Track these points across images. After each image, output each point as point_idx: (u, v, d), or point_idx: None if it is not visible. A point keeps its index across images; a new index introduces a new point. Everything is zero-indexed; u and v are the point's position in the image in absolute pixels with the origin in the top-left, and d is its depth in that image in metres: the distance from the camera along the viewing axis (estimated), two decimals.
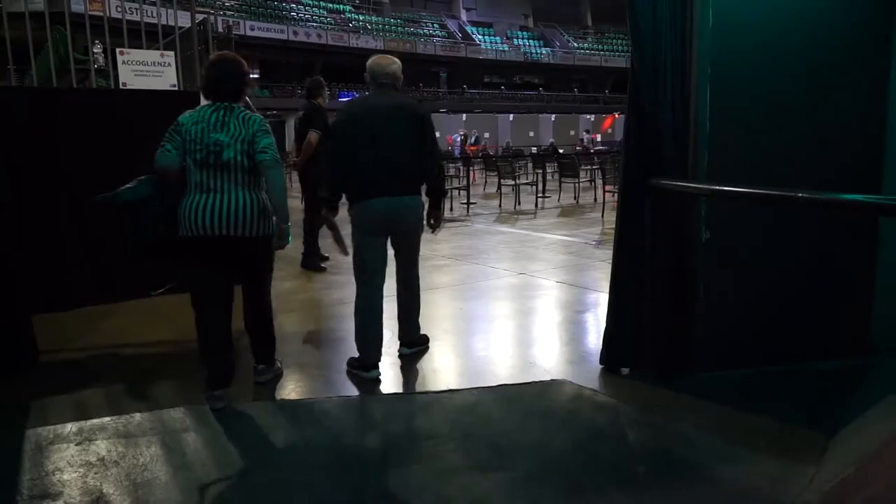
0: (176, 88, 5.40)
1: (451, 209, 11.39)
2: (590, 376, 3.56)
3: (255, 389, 3.47)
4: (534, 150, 28.00)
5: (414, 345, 3.94)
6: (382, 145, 3.41)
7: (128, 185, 3.14)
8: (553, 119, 37.71)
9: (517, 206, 11.76)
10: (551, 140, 29.36)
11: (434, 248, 7.32)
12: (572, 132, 37.85)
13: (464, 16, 42.16)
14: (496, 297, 5.29)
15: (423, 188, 3.64)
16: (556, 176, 13.73)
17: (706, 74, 3.30)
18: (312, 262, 6.71)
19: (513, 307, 5.07)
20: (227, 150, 3.04)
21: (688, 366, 3.42)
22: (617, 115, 38.37)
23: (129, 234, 3.18)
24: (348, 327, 3.80)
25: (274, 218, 3.15)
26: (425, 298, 4.11)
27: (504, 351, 4.14)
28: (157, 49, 5.47)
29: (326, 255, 6.83)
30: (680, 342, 3.41)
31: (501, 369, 3.74)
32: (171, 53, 5.32)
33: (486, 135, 34.50)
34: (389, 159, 3.42)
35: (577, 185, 12.66)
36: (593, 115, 39.29)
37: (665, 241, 3.38)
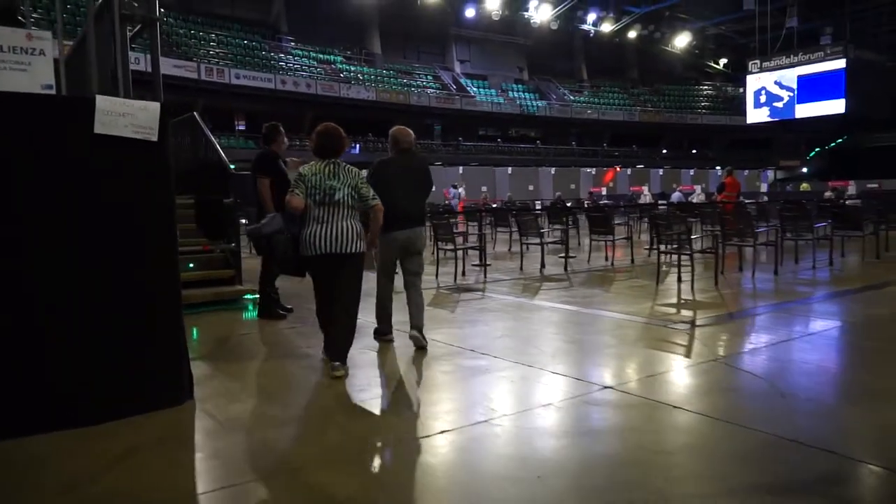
0: (52, 91, 3.50)
1: (464, 273, 9.43)
2: None
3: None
4: (538, 204, 26.33)
5: (420, 330, 5.07)
6: (405, 193, 4.99)
7: (264, 221, 4.75)
8: (553, 172, 36.25)
9: (543, 271, 9.82)
10: (558, 193, 27.69)
11: (457, 337, 5.31)
12: (573, 185, 36.36)
13: (458, 68, 41.17)
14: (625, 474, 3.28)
15: None
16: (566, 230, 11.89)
17: None
18: (272, 310, 6.40)
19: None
20: (338, 192, 4.31)
21: None
22: (618, 169, 37.02)
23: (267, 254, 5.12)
24: None
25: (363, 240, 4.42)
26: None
27: None
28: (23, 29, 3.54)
29: (290, 306, 6.62)
30: None
31: None
32: (45, 36, 3.37)
33: (484, 188, 32.88)
34: (408, 202, 4.98)
35: (612, 244, 10.76)
36: (594, 169, 37.91)
37: None
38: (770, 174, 44.29)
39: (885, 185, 31.22)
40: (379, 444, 3.27)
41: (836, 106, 24.22)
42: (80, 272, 3.47)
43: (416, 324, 5.10)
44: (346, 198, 4.29)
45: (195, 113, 8.96)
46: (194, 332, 6.02)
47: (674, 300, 7.27)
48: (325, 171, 4.31)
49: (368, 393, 4.07)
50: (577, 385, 3.98)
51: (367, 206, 4.38)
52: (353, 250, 4.29)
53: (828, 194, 22.52)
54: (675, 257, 8.61)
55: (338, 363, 4.31)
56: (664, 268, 8.57)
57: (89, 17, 3.91)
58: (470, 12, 36.82)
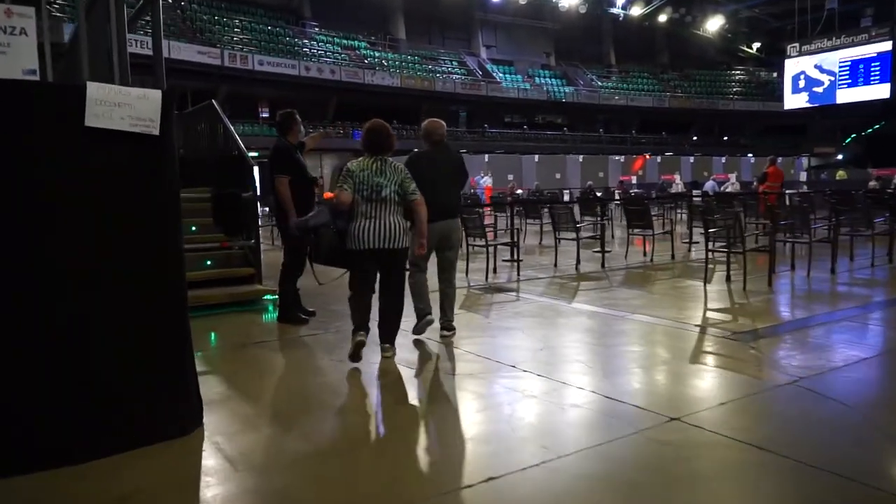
0: (36, 77, 3.04)
1: (495, 271, 8.91)
2: None
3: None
4: (566, 193, 25.66)
5: (450, 322, 5.29)
6: (440, 186, 4.96)
7: (312, 214, 4.67)
8: (581, 160, 35.40)
9: (578, 267, 9.27)
10: (589, 182, 26.93)
11: (494, 348, 4.80)
12: (601, 174, 35.51)
13: (484, 53, 40.34)
14: None
15: None
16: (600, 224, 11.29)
17: None
18: (292, 314, 5.93)
19: None
20: (385, 189, 4.41)
21: None
22: (648, 157, 36.07)
23: (312, 245, 4.64)
24: None
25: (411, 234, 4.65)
26: None
27: None
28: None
29: (312, 308, 6.16)
30: None
31: None
32: (28, 13, 2.90)
33: (510, 177, 32.20)
34: (442, 195, 4.96)
35: (651, 239, 10.15)
36: (622, 157, 36.98)
37: None
38: (804, 161, 42.96)
39: None
40: (415, 498, 2.78)
41: (881, 91, 23.11)
42: (69, 286, 3.02)
43: (447, 317, 5.27)
44: (392, 194, 4.42)
45: (214, 101, 8.51)
46: (212, 337, 5.61)
47: (727, 304, 6.69)
48: (373, 168, 4.45)
49: (397, 420, 3.59)
50: (638, 416, 3.45)
51: (408, 199, 4.48)
52: (399, 245, 4.46)
53: (872, 184, 21.55)
54: (708, 247, 7.96)
55: (388, 345, 4.62)
56: (710, 265, 7.95)
57: None
58: None
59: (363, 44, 35.82)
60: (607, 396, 3.75)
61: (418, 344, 5.14)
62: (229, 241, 7.06)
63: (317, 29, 34.65)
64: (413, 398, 4.05)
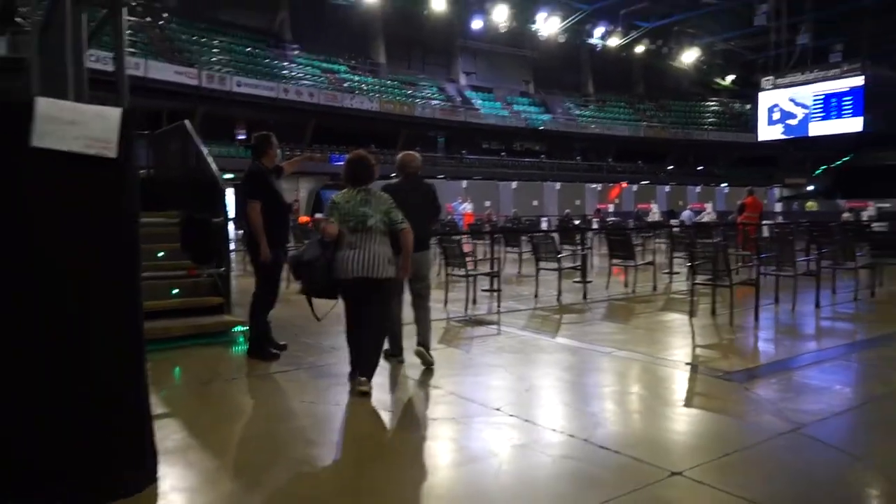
0: None
1: (475, 301, 8.63)
2: None
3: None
4: (544, 220, 25.59)
5: (426, 346, 5.22)
6: (411, 218, 4.67)
7: (304, 249, 4.72)
8: (558, 187, 35.47)
9: (560, 299, 9.04)
10: (567, 210, 26.88)
11: (476, 388, 4.50)
12: (578, 201, 35.58)
13: (463, 80, 40.52)
14: None
15: None
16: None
17: None
18: (263, 348, 5.53)
19: None
20: (371, 218, 4.45)
21: None
22: (624, 185, 36.27)
23: (306, 280, 4.58)
24: None
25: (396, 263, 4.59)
26: None
27: None
28: None
29: (283, 342, 5.77)
30: None
31: None
32: None
33: (488, 203, 32.10)
34: (414, 227, 4.67)
35: (633, 269, 9.97)
36: (599, 185, 37.17)
37: None
38: (777, 192, 43.63)
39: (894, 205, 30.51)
40: None
41: (854, 124, 23.54)
42: (4, 325, 2.69)
43: (423, 341, 5.26)
44: (378, 224, 4.46)
45: (187, 121, 8.19)
46: (175, 372, 5.25)
47: (715, 340, 6.49)
48: (358, 199, 4.51)
49: (374, 478, 3.28)
50: (637, 469, 3.19)
51: (396, 229, 4.53)
52: (384, 275, 4.46)
53: (846, 215, 21.80)
54: (694, 280, 7.77)
55: (364, 378, 4.48)
56: (690, 297, 7.76)
57: None
58: (477, 24, 36.19)
59: (343, 67, 35.76)
60: (602, 446, 3.48)
61: (397, 383, 4.84)
62: (198, 268, 6.70)
63: (297, 51, 34.53)
64: (391, 450, 3.73)
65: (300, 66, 33.69)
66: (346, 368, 4.83)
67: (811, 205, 38.98)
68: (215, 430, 3.92)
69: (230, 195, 7.28)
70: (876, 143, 41.59)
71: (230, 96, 28.69)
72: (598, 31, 39.38)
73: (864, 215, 22.46)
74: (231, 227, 8.14)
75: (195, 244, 6.51)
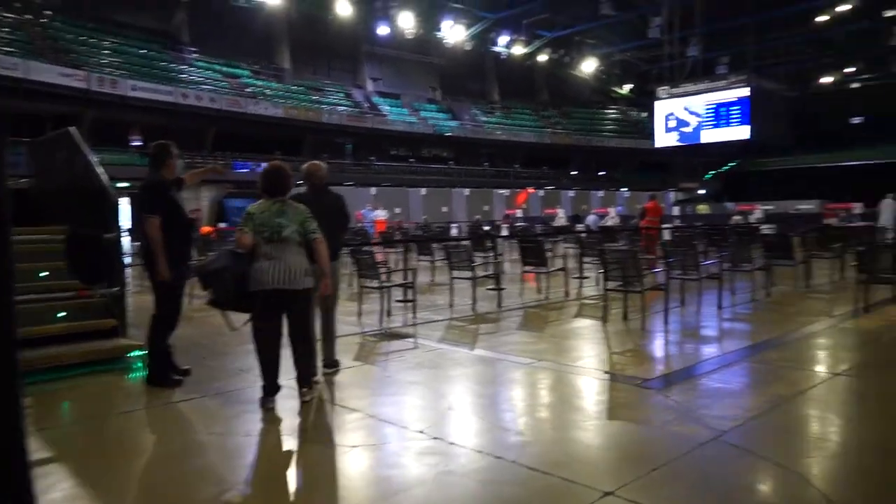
0: None
1: (389, 314, 8.42)
2: None
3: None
4: (454, 227, 25.68)
5: (331, 363, 5.43)
6: (320, 229, 4.64)
7: (212, 258, 4.65)
8: (467, 194, 35.76)
9: (475, 307, 8.98)
10: (477, 216, 27.10)
11: (397, 408, 4.31)
12: (486, 207, 36.01)
13: (370, 86, 40.21)
14: None
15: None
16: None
17: None
18: (163, 375, 5.12)
19: None
20: (286, 229, 4.41)
21: None
22: (531, 191, 37.03)
23: (214, 291, 4.44)
24: None
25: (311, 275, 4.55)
26: None
27: None
28: None
29: (186, 366, 5.38)
30: None
31: None
32: None
33: (398, 210, 31.93)
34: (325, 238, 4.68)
35: (546, 276, 10.05)
36: (507, 190, 37.76)
37: None
38: (672, 196, 45.87)
39: (778, 207, 32.73)
40: None
41: (742, 132, 25.07)
42: None
43: (330, 355, 5.40)
44: (293, 234, 4.43)
45: (72, 128, 7.53)
46: (63, 407, 4.75)
47: (630, 346, 6.58)
48: (273, 209, 4.47)
49: None
50: (569, 492, 3.08)
51: (309, 239, 4.50)
52: (301, 286, 4.44)
53: (736, 218, 23.08)
54: (606, 286, 7.92)
55: (305, 389, 4.56)
56: (601, 302, 7.89)
57: None
58: (383, 30, 35.97)
59: (246, 72, 34.64)
60: (531, 467, 3.36)
61: (311, 407, 4.57)
62: (88, 288, 6.15)
63: (196, 55, 33.13)
64: (309, 486, 3.48)
65: (200, 70, 32.36)
66: (257, 392, 4.52)
67: (703, 208, 41.21)
68: (111, 474, 3.52)
69: (126, 206, 6.75)
70: (760, 150, 44.60)
71: (124, 101, 27.16)
72: (503, 39, 40.10)
73: (753, 218, 23.87)
74: (127, 240, 7.55)
75: (83, 262, 5.98)
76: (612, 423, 4.19)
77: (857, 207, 29.07)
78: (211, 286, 4.48)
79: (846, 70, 43.45)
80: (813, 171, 43.69)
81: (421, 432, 3.98)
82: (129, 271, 12.89)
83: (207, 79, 32.00)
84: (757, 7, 26.71)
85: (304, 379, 4.58)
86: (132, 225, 7.02)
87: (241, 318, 4.56)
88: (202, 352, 6.23)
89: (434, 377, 5.41)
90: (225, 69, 33.69)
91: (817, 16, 35.77)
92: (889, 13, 31.72)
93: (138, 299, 7.71)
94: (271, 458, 3.73)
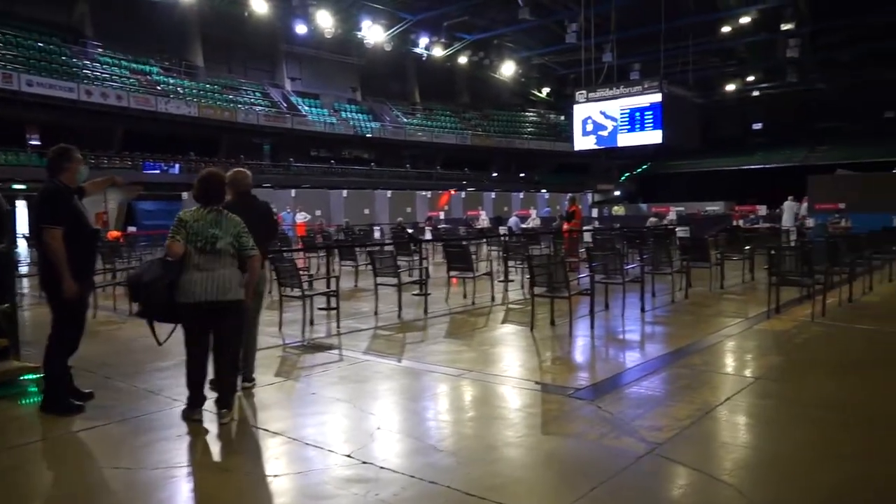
0: None
1: (312, 323, 8.12)
2: None
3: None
4: (376, 229, 25.32)
5: (249, 377, 5.20)
6: None
7: (143, 268, 4.50)
8: (389, 195, 35.42)
9: (401, 315, 8.78)
10: (399, 219, 26.86)
11: (321, 430, 4.06)
12: (409, 209, 35.79)
13: (288, 85, 39.23)
14: None
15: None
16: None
17: None
18: (62, 400, 4.66)
19: None
20: (221, 241, 4.27)
21: None
22: (453, 192, 37.13)
23: (145, 302, 4.28)
24: None
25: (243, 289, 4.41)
26: None
27: None
28: None
29: (88, 390, 4.94)
30: None
31: None
32: None
33: (319, 212, 31.24)
34: None
35: (472, 281, 9.96)
36: (429, 192, 37.69)
37: None
38: (590, 197, 47.15)
39: (689, 209, 34.18)
40: None
41: (655, 136, 25.97)
42: None
43: (248, 369, 5.21)
44: (227, 246, 4.31)
45: None
46: None
47: (559, 353, 6.55)
48: (208, 219, 4.34)
49: None
50: None
51: (245, 255, 4.39)
52: (234, 297, 4.31)
53: (652, 220, 23.83)
54: (533, 292, 7.89)
55: (225, 410, 4.35)
56: (527, 307, 7.86)
57: None
58: (301, 29, 35.06)
59: (156, 68, 33.05)
60: (469, 493, 3.20)
61: (230, 430, 4.25)
62: None
63: (100, 50, 31.34)
64: None
65: (105, 66, 30.62)
66: (168, 417, 4.18)
67: (619, 209, 42.57)
68: None
69: (23, 209, 6.14)
70: (671, 153, 46.47)
71: (18, 97, 25.38)
72: (423, 41, 39.97)
73: (667, 220, 24.74)
74: (23, 246, 6.91)
75: None
76: (546, 438, 4.09)
77: (762, 209, 30.71)
78: (142, 298, 4.33)
79: (748, 79, 45.88)
80: (719, 174, 46.04)
81: (348, 456, 3.75)
82: (24, 282, 12.01)
83: (113, 75, 30.34)
84: (667, 16, 27.74)
85: (225, 399, 4.40)
86: (30, 232, 6.42)
87: (167, 331, 4.41)
88: (108, 372, 5.75)
89: (360, 393, 5.18)
90: (133, 65, 32.03)
91: (721, 27, 37.62)
92: (785, 26, 33.61)
93: (35, 313, 7.09)
94: (186, 495, 3.41)
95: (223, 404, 4.38)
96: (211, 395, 4.47)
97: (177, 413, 4.48)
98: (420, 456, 3.80)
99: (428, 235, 20.99)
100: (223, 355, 4.40)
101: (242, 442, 4.16)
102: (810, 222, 21.15)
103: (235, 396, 4.78)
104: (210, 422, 4.36)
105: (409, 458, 3.79)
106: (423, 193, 37.64)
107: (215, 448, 3.98)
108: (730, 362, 6.23)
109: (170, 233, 4.31)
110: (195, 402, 4.39)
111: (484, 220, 28.69)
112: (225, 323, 4.35)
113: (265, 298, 5.83)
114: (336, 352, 6.78)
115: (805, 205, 23.20)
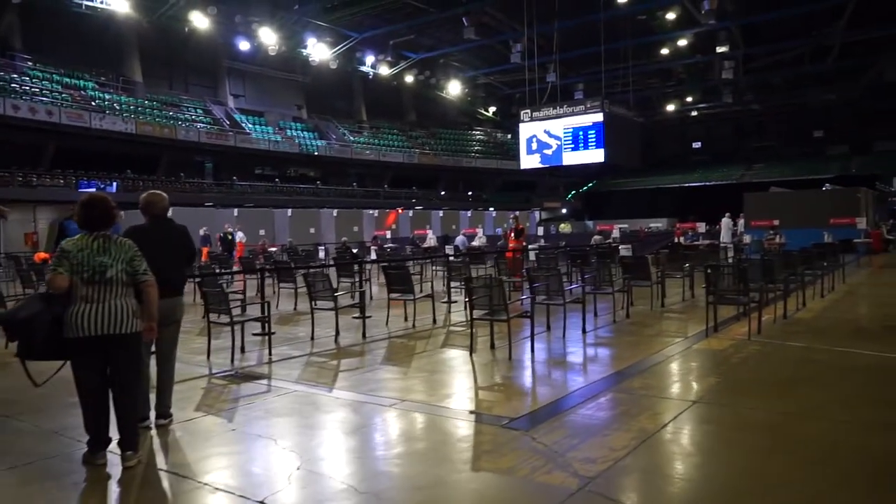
0: None
1: (243, 350, 7.76)
2: None
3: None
4: (321, 249, 24.87)
5: (166, 413, 4.88)
6: (161, 263, 4.43)
7: (21, 304, 4.07)
8: (335, 214, 34.95)
9: (338, 339, 8.48)
10: (344, 238, 26.44)
11: (240, 472, 3.75)
12: (356, 228, 35.39)
13: (231, 102, 38.50)
14: None
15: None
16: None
17: None
18: None
19: None
20: (110, 269, 3.96)
21: None
22: (400, 211, 36.91)
23: (24, 341, 3.89)
24: None
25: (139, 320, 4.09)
26: None
27: None
28: None
29: None
30: None
31: None
32: None
33: (262, 232, 30.56)
34: (164, 272, 4.44)
35: (412, 303, 9.73)
36: (376, 211, 37.38)
37: None
38: (537, 215, 47.62)
39: (633, 225, 34.82)
40: None
41: (597, 155, 26.35)
42: None
43: (164, 404, 4.93)
44: (118, 274, 4.02)
45: None
46: None
47: (497, 379, 6.37)
48: (94, 247, 4.02)
49: None
50: None
51: (139, 281, 4.10)
52: (128, 330, 4.02)
53: (597, 238, 24.10)
54: (472, 315, 7.73)
55: (130, 452, 4.04)
56: (468, 329, 7.68)
57: None
58: (245, 45, 34.47)
59: (90, 83, 31.98)
60: None
61: (134, 476, 3.91)
62: None
63: (30, 63, 30.13)
64: None
65: (34, 81, 29.43)
66: (68, 461, 3.82)
67: (565, 226, 43.09)
68: None
69: None
70: (615, 171, 47.41)
71: None
72: (369, 59, 39.87)
73: (612, 237, 25.05)
74: None
75: None
76: (475, 476, 3.87)
77: (701, 227, 31.44)
78: (18, 337, 3.94)
79: (687, 99, 47.31)
80: (662, 192, 47.23)
81: (261, 503, 3.46)
82: None
83: (44, 89, 29.18)
84: (606, 38, 28.35)
85: (128, 441, 4.06)
86: None
87: (48, 371, 4.02)
88: (8, 410, 5.30)
89: (285, 428, 4.88)
90: (66, 80, 30.90)
91: (660, 49, 38.71)
92: (720, 49, 34.77)
93: None
94: None
95: (127, 445, 4.06)
96: (117, 436, 4.12)
97: (78, 456, 4.12)
98: (340, 500, 3.54)
99: (373, 255, 20.71)
100: (121, 393, 4.08)
101: (147, 489, 3.81)
102: (747, 238, 21.72)
103: (145, 436, 4.44)
104: (115, 465, 4.00)
105: (330, 497, 3.53)
106: (371, 212, 37.33)
107: (112, 497, 3.63)
108: (668, 385, 6.15)
109: (51, 265, 4.03)
110: (96, 444, 4.07)
111: (431, 239, 28.56)
112: (119, 358, 4.05)
113: (189, 325, 5.49)
114: (265, 381, 6.45)
115: (742, 221, 23.83)
